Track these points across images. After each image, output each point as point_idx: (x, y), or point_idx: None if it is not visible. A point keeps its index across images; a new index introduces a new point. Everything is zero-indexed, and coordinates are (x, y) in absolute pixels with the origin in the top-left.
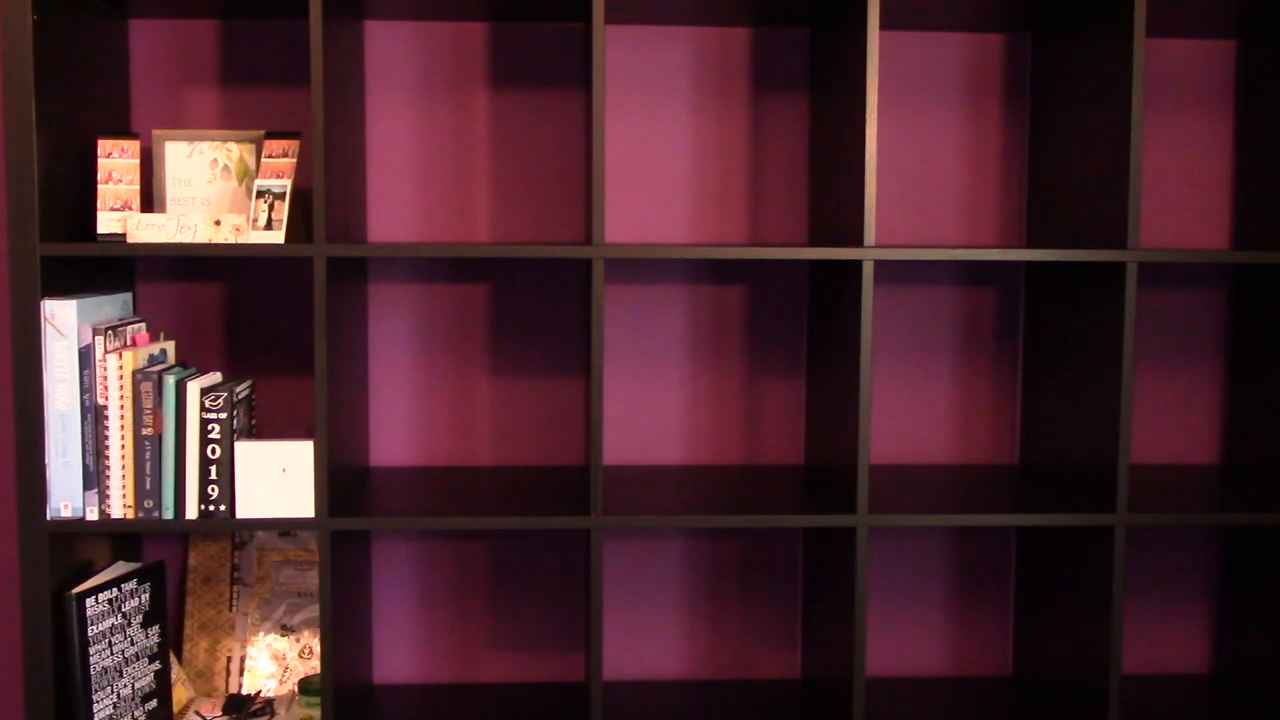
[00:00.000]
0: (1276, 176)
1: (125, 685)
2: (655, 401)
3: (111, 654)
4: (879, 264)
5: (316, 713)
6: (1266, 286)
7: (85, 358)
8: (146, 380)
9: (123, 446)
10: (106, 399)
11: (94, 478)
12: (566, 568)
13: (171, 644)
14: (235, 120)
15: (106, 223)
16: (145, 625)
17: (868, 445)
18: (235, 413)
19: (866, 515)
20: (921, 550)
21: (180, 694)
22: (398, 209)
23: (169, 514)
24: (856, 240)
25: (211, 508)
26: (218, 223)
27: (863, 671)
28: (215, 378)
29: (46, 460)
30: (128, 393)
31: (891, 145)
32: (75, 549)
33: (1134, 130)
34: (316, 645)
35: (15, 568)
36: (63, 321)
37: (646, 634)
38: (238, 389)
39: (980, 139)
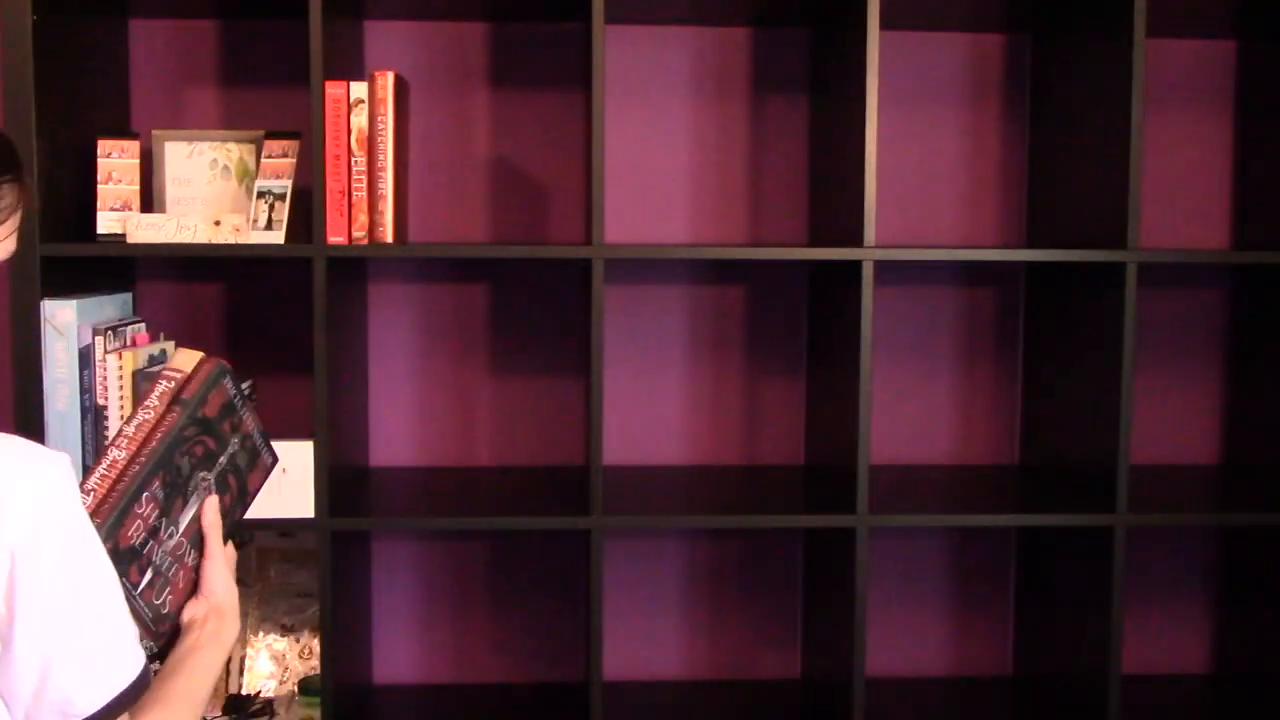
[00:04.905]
0: (1276, 176)
1: None
2: (655, 401)
3: None
4: (879, 264)
5: (316, 713)
6: (1266, 286)
7: (85, 358)
8: (147, 380)
9: None
10: (106, 399)
11: None
12: (566, 568)
13: None
14: (235, 120)
15: (106, 223)
16: None
17: (868, 445)
18: None
19: (866, 515)
20: (921, 550)
21: None
22: None
23: None
24: (856, 240)
25: None
26: (218, 223)
27: (863, 671)
28: None
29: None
30: (128, 393)
31: (891, 145)
32: None
33: (1134, 130)
34: (316, 645)
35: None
36: (63, 322)
37: (646, 634)
38: None
39: (980, 139)
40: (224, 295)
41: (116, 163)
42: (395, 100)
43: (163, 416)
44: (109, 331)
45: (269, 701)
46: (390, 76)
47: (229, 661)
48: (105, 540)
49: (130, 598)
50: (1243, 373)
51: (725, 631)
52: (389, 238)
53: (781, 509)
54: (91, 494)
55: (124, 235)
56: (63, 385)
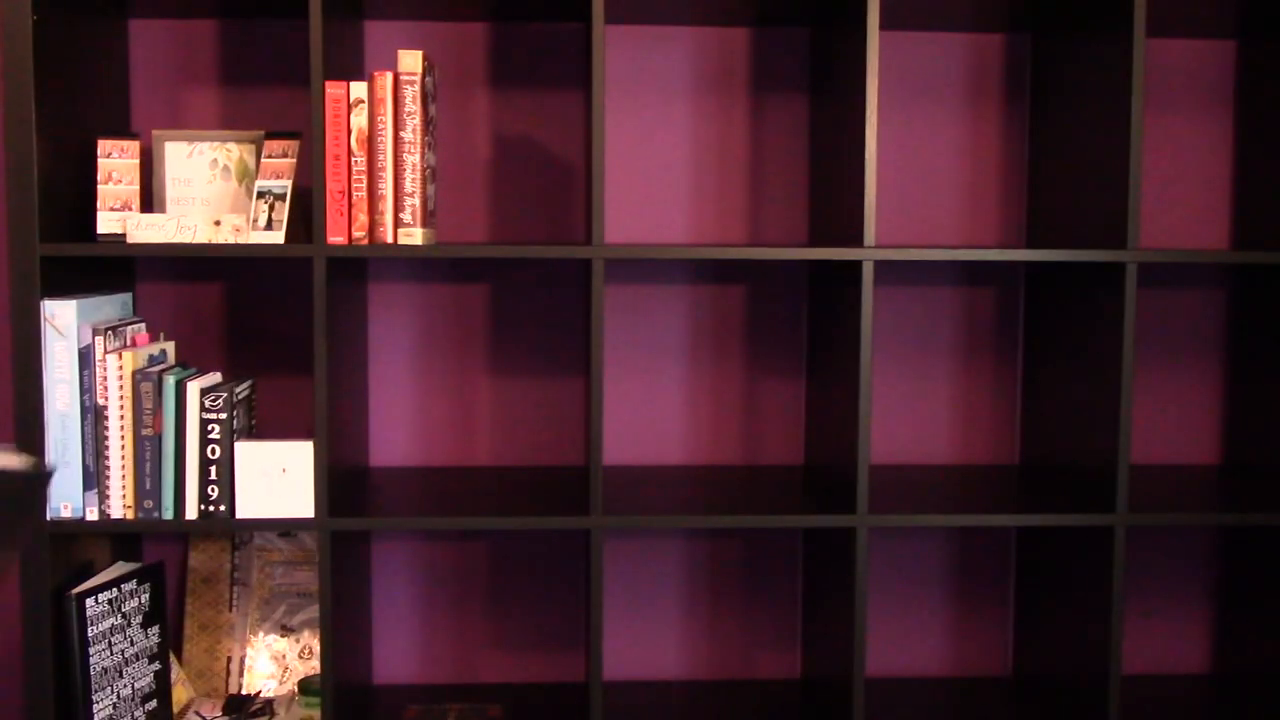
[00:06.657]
0: (1276, 176)
1: (125, 685)
2: (655, 401)
3: (111, 654)
4: (879, 264)
5: (316, 713)
6: (1266, 286)
7: (85, 358)
8: (146, 380)
9: (123, 447)
10: (106, 399)
11: (94, 478)
12: (566, 568)
13: (171, 644)
14: (235, 120)
15: (106, 223)
16: (145, 625)
17: (868, 445)
18: (235, 413)
19: (866, 515)
20: (921, 550)
21: (180, 694)
22: None
23: (169, 514)
24: (856, 240)
25: (211, 508)
26: (218, 223)
27: (862, 671)
28: (215, 378)
29: (46, 460)
30: (128, 393)
31: (891, 145)
32: (75, 549)
33: (1134, 130)
34: (316, 645)
35: (15, 568)
36: (63, 322)
37: (646, 634)
38: (238, 389)
39: (980, 139)
40: (224, 295)
41: (116, 163)
42: (395, 99)
43: None
44: (109, 331)
45: (269, 701)
46: (389, 76)
47: (229, 661)
48: None
49: None
50: (1243, 373)
51: (725, 631)
52: (389, 237)
53: (781, 509)
54: None
55: (124, 235)
56: (63, 385)
